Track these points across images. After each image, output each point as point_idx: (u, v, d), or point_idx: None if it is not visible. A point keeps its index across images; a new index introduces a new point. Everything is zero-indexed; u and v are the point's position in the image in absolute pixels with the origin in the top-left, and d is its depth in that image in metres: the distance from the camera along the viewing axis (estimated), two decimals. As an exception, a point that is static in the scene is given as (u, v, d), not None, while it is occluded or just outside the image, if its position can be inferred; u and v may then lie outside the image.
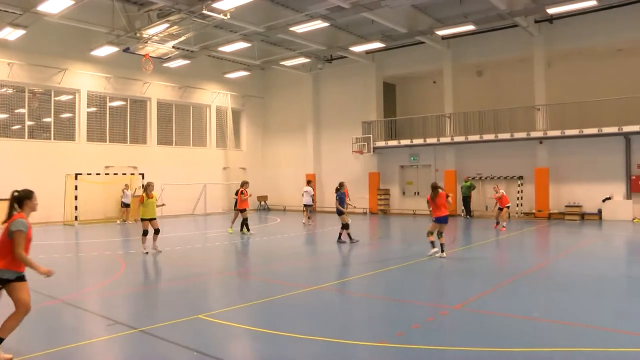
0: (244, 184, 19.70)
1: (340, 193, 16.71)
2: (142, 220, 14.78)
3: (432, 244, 13.60)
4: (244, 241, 17.56)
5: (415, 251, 14.66)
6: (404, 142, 28.38)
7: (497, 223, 20.48)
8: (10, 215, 6.20)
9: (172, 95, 30.98)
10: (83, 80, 26.88)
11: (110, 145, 28.00)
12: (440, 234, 13.48)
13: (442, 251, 13.33)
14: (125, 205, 25.44)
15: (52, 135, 26.10)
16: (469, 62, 27.54)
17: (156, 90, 30.04)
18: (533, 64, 25.28)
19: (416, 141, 27.94)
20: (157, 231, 14.85)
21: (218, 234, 19.64)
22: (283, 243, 17.26)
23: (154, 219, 14.85)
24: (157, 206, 15.22)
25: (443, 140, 27.13)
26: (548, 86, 25.18)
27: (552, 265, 12.49)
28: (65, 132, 26.59)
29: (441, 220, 13.41)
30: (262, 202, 34.95)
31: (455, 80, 27.84)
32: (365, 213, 30.06)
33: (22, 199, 6.30)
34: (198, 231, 21.80)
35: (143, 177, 26.65)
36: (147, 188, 14.84)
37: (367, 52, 29.14)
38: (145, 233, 14.75)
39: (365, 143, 29.07)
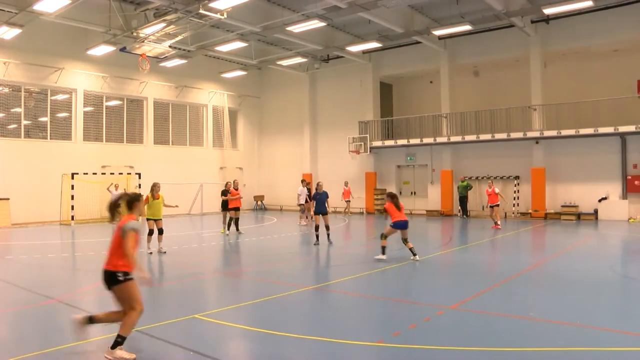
0: (233, 182, 19.97)
1: (318, 194, 16.36)
2: (148, 220, 14.70)
3: (383, 249, 13.12)
4: (239, 241, 17.52)
5: (409, 251, 14.58)
6: (400, 142, 28.42)
7: (496, 223, 20.57)
8: (115, 216, 6.54)
9: (168, 95, 30.95)
10: (79, 80, 26.84)
11: (106, 145, 27.97)
12: (405, 240, 13.06)
13: (414, 255, 12.84)
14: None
15: (49, 134, 26.07)
16: (466, 62, 27.58)
17: (153, 90, 30.01)
18: (529, 64, 25.31)
19: (413, 141, 27.97)
20: (160, 231, 14.73)
21: (214, 234, 19.60)
22: (279, 243, 17.26)
23: (160, 219, 14.79)
24: (169, 207, 15.22)
25: (440, 140, 27.17)
26: (544, 86, 25.23)
27: (548, 264, 12.50)
28: (62, 131, 26.56)
29: (400, 226, 12.99)
30: (259, 202, 34.92)
31: (452, 80, 27.89)
32: (362, 213, 30.06)
33: (132, 202, 6.58)
34: (194, 231, 21.76)
35: (140, 177, 26.63)
36: (153, 189, 14.69)
37: (364, 52, 29.18)
38: (150, 233, 14.64)
39: (362, 143, 29.07)
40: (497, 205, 20.78)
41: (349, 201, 28.40)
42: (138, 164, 28.49)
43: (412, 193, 29.50)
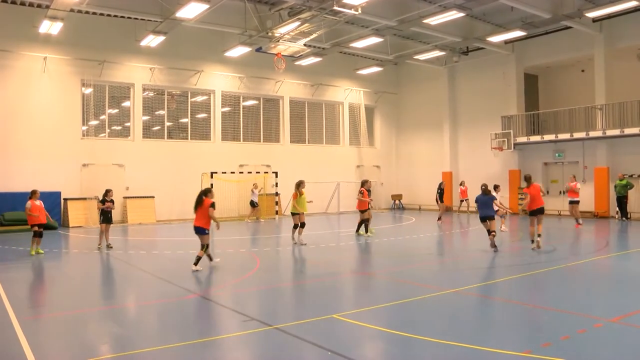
0: (364, 183, 19.15)
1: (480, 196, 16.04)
2: (293, 214, 16.79)
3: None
4: (376, 241, 17.59)
5: (561, 255, 13.99)
6: (547, 137, 26.96)
7: (577, 222, 19.66)
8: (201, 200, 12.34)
9: (304, 93, 31.78)
10: (217, 81, 28.41)
11: (243, 144, 29.33)
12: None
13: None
14: (253, 205, 26.28)
15: (189, 135, 27.88)
16: (627, 45, 25.42)
17: (288, 89, 30.96)
18: None
19: (561, 136, 26.41)
20: (302, 224, 16.69)
21: (351, 234, 19.84)
22: (418, 243, 17.12)
23: (303, 213, 16.68)
24: (307, 202, 17.06)
25: (593, 134, 25.38)
26: None
27: None
28: (201, 131, 28.29)
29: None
30: (397, 201, 34.81)
31: (609, 66, 25.88)
32: (505, 213, 28.91)
33: (206, 192, 12.55)
34: (331, 230, 22.14)
35: (276, 176, 27.62)
36: (300, 185, 16.67)
37: (506, 42, 28.00)
38: (296, 226, 16.73)
39: (505, 139, 28.02)
40: (577, 202, 19.65)
41: (467, 200, 27.06)
42: (274, 162, 29.49)
43: (561, 192, 27.90)
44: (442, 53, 28.50)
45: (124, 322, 8.30)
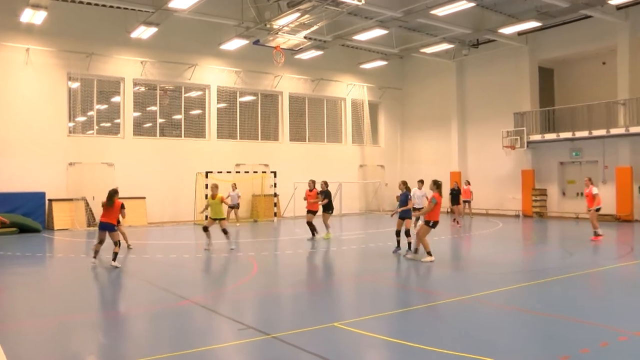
0: (314, 183, 19.27)
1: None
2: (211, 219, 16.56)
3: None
4: (381, 245, 17.50)
5: (578, 261, 13.87)
6: (563, 134, 26.83)
7: (596, 234, 17.76)
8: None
9: (304, 89, 31.73)
10: (213, 76, 28.37)
11: (240, 143, 29.30)
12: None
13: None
14: (233, 207, 25.05)
15: (183, 132, 27.82)
16: (655, 34, 25.13)
17: (288, 84, 30.92)
18: None
19: (579, 134, 26.25)
20: (224, 232, 16.29)
21: (355, 236, 19.76)
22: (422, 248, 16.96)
23: (222, 219, 16.33)
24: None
25: (615, 131, 25.19)
26: None
27: None
28: (195, 129, 28.25)
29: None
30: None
31: (634, 58, 25.40)
32: (517, 216, 28.88)
33: (114, 194, 13.38)
34: (333, 233, 22.06)
35: (275, 176, 27.53)
36: (212, 189, 16.50)
37: (520, 34, 27.89)
38: (205, 229, 16.40)
39: (518, 137, 27.90)
40: (599, 210, 17.86)
41: (469, 202, 26.95)
42: (273, 162, 29.44)
43: (578, 194, 27.78)
44: (451, 46, 28.40)
45: (112, 331, 8.22)
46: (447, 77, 32.76)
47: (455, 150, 32.32)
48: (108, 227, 13.28)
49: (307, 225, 18.77)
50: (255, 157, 29.35)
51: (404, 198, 15.04)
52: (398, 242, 15.10)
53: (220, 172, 25.98)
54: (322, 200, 18.59)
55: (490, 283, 11.41)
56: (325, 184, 18.96)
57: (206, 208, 17.05)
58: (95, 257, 13.39)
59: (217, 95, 28.62)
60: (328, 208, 18.74)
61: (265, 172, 28.70)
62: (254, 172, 28.23)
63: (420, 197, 21.46)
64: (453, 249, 17.38)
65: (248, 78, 29.40)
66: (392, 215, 15.90)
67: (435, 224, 13.56)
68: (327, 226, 18.87)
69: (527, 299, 9.93)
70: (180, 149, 27.24)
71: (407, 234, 14.81)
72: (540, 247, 17.45)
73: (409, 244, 14.78)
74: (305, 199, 19.13)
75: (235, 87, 29.20)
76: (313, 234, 18.56)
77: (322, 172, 30.30)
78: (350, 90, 33.48)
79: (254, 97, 30.31)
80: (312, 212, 18.81)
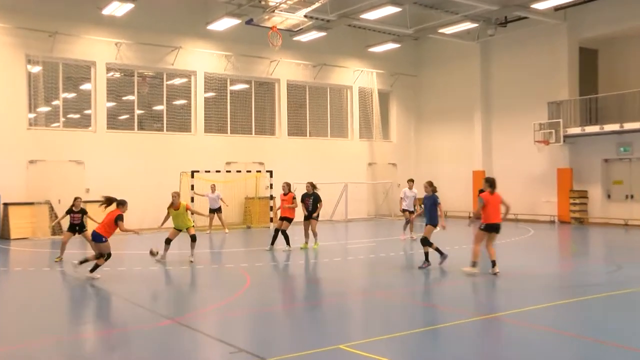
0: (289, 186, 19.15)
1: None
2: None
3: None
4: (392, 255, 17.55)
5: (628, 276, 13.76)
6: (609, 127, 26.68)
7: None
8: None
9: (304, 76, 31.72)
10: (199, 60, 28.34)
11: (231, 138, 29.29)
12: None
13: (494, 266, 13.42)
14: (213, 211, 24.83)
15: (165, 125, 27.79)
16: None
17: (286, 70, 30.89)
18: None
19: (628, 126, 26.05)
20: (192, 238, 16.28)
21: (363, 245, 19.71)
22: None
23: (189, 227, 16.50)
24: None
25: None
26: None
27: None
28: (180, 121, 28.24)
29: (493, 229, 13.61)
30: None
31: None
32: (552, 222, 28.82)
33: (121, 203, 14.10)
34: (337, 241, 22.07)
35: (271, 176, 27.41)
36: (173, 198, 16.79)
37: (556, 9, 27.78)
38: (168, 241, 16.36)
39: (553, 130, 27.77)
40: None
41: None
42: (269, 160, 29.41)
43: (627, 197, 27.71)
44: (474, 25, 28.34)
45: (82, 356, 8.17)
46: (470, 61, 32.69)
47: (479, 146, 32.26)
48: (96, 237, 13.82)
49: (274, 233, 18.64)
50: (248, 155, 29.32)
51: (432, 202, 15.08)
52: (438, 250, 14.97)
53: (209, 172, 25.97)
54: (296, 204, 18.54)
55: (519, 299, 11.40)
56: (312, 185, 18.84)
57: (165, 220, 17.00)
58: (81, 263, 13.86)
59: (205, 83, 28.58)
60: (313, 213, 18.62)
61: (259, 171, 28.64)
62: (247, 171, 28.13)
63: (410, 197, 21.55)
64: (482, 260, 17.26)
65: (240, 63, 29.35)
66: (412, 218, 15.89)
67: (489, 227, 13.49)
68: (315, 234, 18.75)
69: (562, 318, 9.91)
70: (161, 145, 27.19)
71: (425, 242, 14.78)
72: (580, 259, 17.40)
73: (426, 254, 14.75)
74: (279, 206, 19.13)
75: (226, 74, 29.17)
76: (288, 243, 18.36)
77: (325, 171, 30.48)
78: (357, 77, 33.46)
79: (247, 86, 30.29)
80: (287, 219, 18.46)
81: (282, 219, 18.54)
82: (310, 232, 18.69)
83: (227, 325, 9.64)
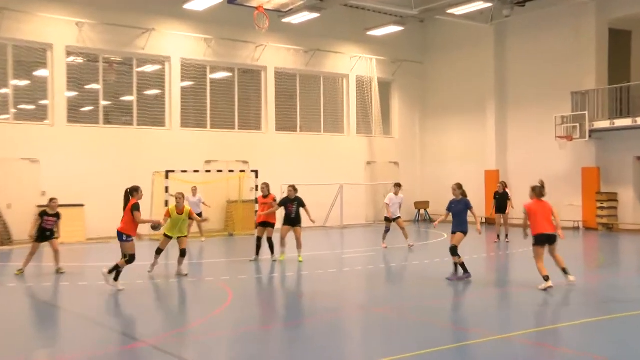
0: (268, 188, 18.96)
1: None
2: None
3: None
4: (393, 266, 17.65)
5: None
6: (644, 120, 26.72)
7: None
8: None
9: (295, 63, 31.60)
10: (175, 44, 28.08)
11: (212, 133, 29.11)
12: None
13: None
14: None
15: (135, 119, 27.51)
16: None
17: (274, 56, 30.75)
18: None
19: (666, 119, 26.15)
20: (182, 253, 15.96)
21: (360, 255, 19.83)
22: (449, 270, 16.69)
23: (182, 236, 16.12)
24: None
25: None
26: None
27: None
28: (152, 114, 27.96)
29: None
30: (422, 211, 34.76)
31: None
32: (576, 228, 28.72)
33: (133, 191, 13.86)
34: (331, 250, 22.07)
35: (257, 176, 27.07)
36: (177, 200, 16.32)
37: (582, -15, 27.82)
38: (159, 251, 16.15)
39: (577, 124, 27.65)
40: None
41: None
42: (254, 158, 29.24)
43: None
44: (488, 5, 28.30)
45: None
46: (483, 46, 32.71)
47: (492, 143, 32.27)
48: (118, 235, 13.81)
49: (257, 241, 18.37)
50: (231, 152, 29.09)
51: (464, 207, 15.08)
52: (455, 265, 15.11)
53: (185, 172, 25.71)
54: (278, 207, 18.26)
55: (538, 317, 11.57)
56: (294, 189, 18.45)
57: (160, 226, 15.49)
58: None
59: (181, 71, 28.35)
60: (297, 221, 18.29)
61: (244, 171, 28.43)
62: (230, 171, 27.94)
63: (396, 204, 21.37)
64: (489, 271, 17.48)
65: (221, 48, 29.18)
66: (435, 225, 15.87)
67: (538, 239, 13.52)
68: (299, 245, 18.31)
69: (590, 339, 9.93)
70: (131, 142, 26.81)
71: (455, 252, 14.88)
72: (610, 271, 17.31)
73: (456, 265, 15.00)
74: (257, 210, 18.97)
75: (205, 60, 28.99)
76: (272, 250, 18.30)
77: (317, 171, 30.49)
78: (355, 64, 33.41)
79: (230, 74, 30.17)
80: (269, 224, 18.33)
81: (262, 225, 18.38)
82: (286, 241, 18.40)
83: (205, 347, 9.50)
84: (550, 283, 13.27)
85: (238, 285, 14.82)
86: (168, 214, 15.98)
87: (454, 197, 15.42)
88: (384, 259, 19.35)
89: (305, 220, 18.44)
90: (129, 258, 13.48)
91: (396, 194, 21.11)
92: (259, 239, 18.28)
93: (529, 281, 14.13)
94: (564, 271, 13.57)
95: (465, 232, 15.00)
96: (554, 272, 13.28)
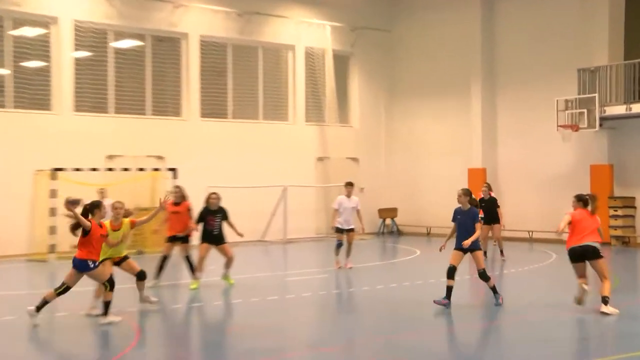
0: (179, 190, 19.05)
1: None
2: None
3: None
4: (352, 291, 17.99)
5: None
6: (666, 106, 26.92)
7: None
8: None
9: (226, 30, 31.42)
10: (64, 1, 27.50)
11: (116, 119, 28.63)
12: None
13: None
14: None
15: (11, 99, 26.86)
16: None
17: (197, 21, 30.56)
18: None
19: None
20: (140, 275, 15.41)
21: (309, 277, 20.00)
22: (425, 294, 16.71)
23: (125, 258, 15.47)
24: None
25: None
26: None
27: None
28: (34, 94, 27.29)
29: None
30: (387, 220, 34.96)
31: None
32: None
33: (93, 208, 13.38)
34: (271, 271, 22.07)
35: (175, 176, 26.85)
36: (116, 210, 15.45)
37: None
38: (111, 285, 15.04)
39: (585, 110, 27.84)
40: None
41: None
42: (172, 152, 28.97)
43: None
44: (473, -41, 28.34)
45: None
46: (467, 12, 33.00)
47: (478, 134, 32.58)
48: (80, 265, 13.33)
49: (161, 261, 18.01)
50: (141, 145, 28.65)
51: (472, 218, 14.99)
52: (449, 289, 14.95)
53: (80, 170, 25.39)
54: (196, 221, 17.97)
55: (537, 355, 11.33)
56: (217, 197, 18.23)
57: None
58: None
59: (75, 37, 27.77)
60: (222, 238, 18.12)
61: (158, 169, 28.10)
62: (139, 169, 27.52)
63: (348, 208, 21.03)
64: (477, 295, 17.63)
65: (128, 8, 28.74)
66: (441, 249, 15.72)
67: (571, 254, 14.20)
68: (229, 265, 18.15)
69: None
70: (5, 129, 26.12)
71: (484, 276, 15.05)
72: (625, 297, 17.16)
73: (492, 288, 15.21)
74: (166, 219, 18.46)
75: (106, 24, 28.54)
76: (193, 271, 17.92)
77: (254, 170, 30.52)
78: (303, 32, 33.36)
79: (140, 42, 29.91)
80: (182, 238, 18.09)
81: (172, 239, 18.03)
82: (205, 265, 18.05)
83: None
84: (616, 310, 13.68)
85: (147, 319, 14.66)
86: (106, 232, 14.80)
87: (459, 206, 15.38)
88: (338, 282, 19.42)
89: (230, 234, 18.18)
90: (110, 285, 13.30)
91: (348, 196, 20.81)
92: (164, 258, 17.83)
93: (521, 309, 14.68)
94: (603, 300, 13.85)
95: (477, 250, 15.07)
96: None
